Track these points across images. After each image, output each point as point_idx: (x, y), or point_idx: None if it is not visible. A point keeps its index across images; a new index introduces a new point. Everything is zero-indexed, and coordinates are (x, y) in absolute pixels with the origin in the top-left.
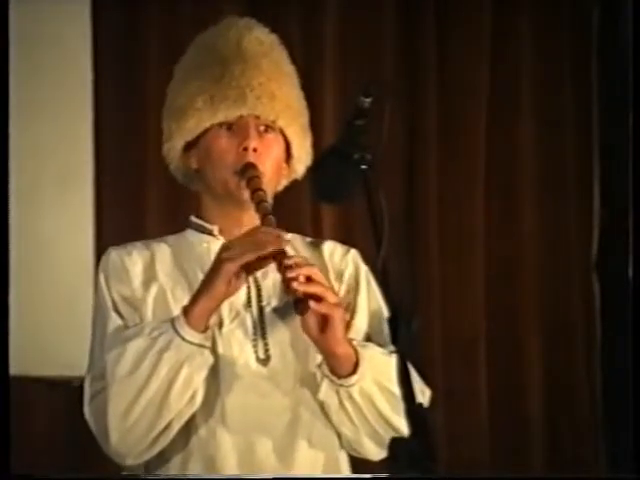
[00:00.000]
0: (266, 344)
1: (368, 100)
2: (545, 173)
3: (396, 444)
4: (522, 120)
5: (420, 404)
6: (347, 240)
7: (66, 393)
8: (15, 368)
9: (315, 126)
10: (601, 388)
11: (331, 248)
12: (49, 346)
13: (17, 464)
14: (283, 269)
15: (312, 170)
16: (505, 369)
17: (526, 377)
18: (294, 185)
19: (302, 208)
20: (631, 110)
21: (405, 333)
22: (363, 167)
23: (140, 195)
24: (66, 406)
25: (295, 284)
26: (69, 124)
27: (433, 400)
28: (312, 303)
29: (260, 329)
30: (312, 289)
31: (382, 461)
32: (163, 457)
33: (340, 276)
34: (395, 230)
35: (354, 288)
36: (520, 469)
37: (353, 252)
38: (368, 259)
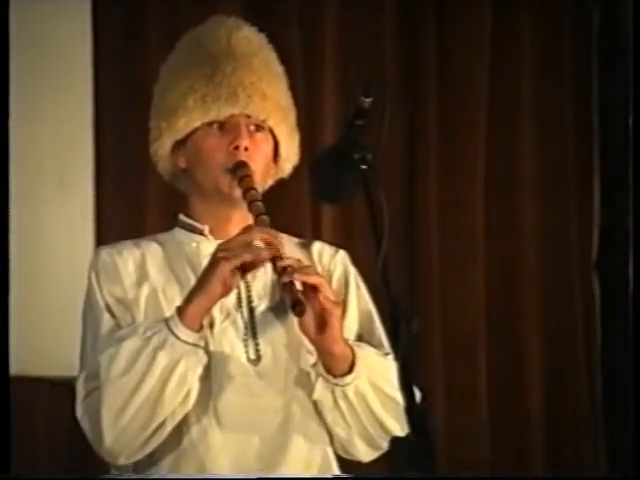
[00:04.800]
0: (257, 344)
1: (368, 100)
2: (545, 173)
3: (396, 444)
4: (522, 120)
5: (420, 404)
6: (347, 240)
7: (66, 393)
8: (15, 368)
9: (315, 126)
10: (601, 388)
11: (320, 249)
12: (49, 346)
13: (17, 464)
14: (280, 270)
15: (312, 170)
16: (505, 369)
17: (526, 377)
18: (294, 185)
19: (302, 208)
20: (631, 110)
21: (405, 333)
22: (363, 167)
23: (140, 195)
24: (66, 406)
25: (295, 276)
26: (69, 124)
27: (433, 400)
28: (315, 294)
29: (251, 329)
30: (312, 280)
31: (382, 461)
32: (154, 457)
33: (329, 277)
34: (395, 230)
35: (344, 289)
36: (520, 469)
37: (342, 253)
38: (368, 259)
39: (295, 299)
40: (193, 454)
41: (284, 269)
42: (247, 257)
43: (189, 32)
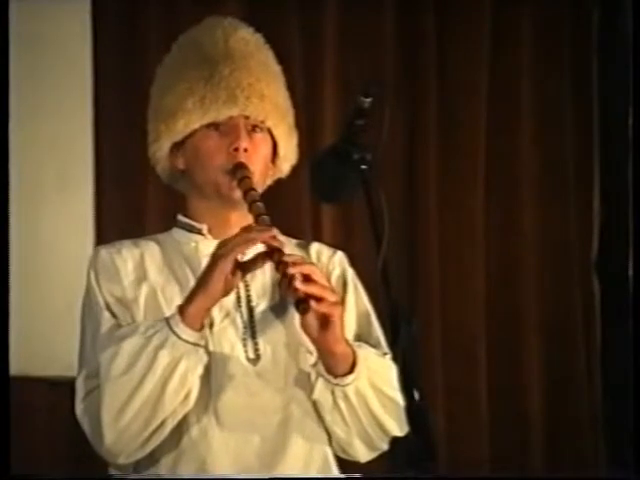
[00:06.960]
0: (256, 343)
1: (368, 100)
2: (545, 173)
3: (396, 444)
4: (522, 120)
5: (420, 404)
6: (347, 240)
7: (66, 393)
8: (15, 368)
9: (315, 126)
10: (601, 388)
11: (318, 250)
12: (49, 346)
13: (17, 464)
14: (281, 268)
15: (312, 170)
16: (505, 369)
17: (526, 377)
18: (294, 185)
19: (302, 208)
20: (631, 110)
21: (405, 333)
22: (363, 167)
23: (140, 195)
24: (66, 406)
25: (296, 284)
26: (69, 124)
27: (433, 400)
28: (313, 303)
29: (250, 329)
30: (312, 289)
31: (382, 460)
32: (154, 457)
33: (328, 278)
34: (395, 230)
35: (341, 290)
36: (520, 469)
37: (340, 254)
38: (368, 259)
39: (298, 297)
40: (193, 453)
41: (286, 267)
42: (241, 249)
43: (185, 33)
